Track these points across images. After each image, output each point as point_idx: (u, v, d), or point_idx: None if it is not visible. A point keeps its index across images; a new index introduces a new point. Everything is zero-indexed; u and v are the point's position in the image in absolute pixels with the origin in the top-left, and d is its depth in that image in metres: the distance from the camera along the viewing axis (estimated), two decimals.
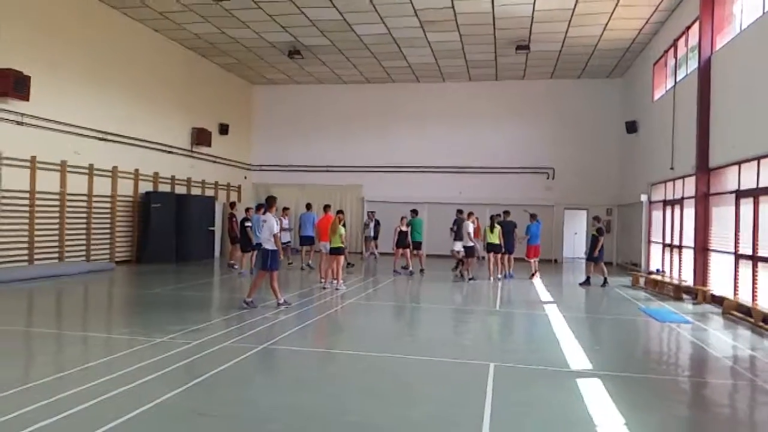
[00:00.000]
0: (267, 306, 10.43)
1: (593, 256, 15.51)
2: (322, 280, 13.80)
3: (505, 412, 5.18)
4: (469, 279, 15.58)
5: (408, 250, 17.04)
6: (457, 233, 18.11)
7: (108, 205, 17.39)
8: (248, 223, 15.63)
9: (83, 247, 16.41)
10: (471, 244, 15.90)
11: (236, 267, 16.71)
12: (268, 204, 10.80)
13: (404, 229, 16.93)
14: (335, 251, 13.25)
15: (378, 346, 7.92)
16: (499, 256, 16.29)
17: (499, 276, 16.03)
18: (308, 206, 18.51)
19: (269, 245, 10.33)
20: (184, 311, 9.98)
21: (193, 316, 9.35)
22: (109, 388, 5.42)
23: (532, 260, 17.24)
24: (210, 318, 9.36)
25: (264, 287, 10.76)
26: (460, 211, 18.82)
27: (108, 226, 17.39)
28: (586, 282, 15.57)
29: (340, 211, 14.37)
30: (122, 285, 14.02)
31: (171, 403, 5.18)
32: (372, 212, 22.70)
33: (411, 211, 18.26)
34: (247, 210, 16.36)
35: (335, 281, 13.20)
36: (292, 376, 6.41)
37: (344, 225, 13.81)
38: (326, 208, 15.21)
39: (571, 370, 6.71)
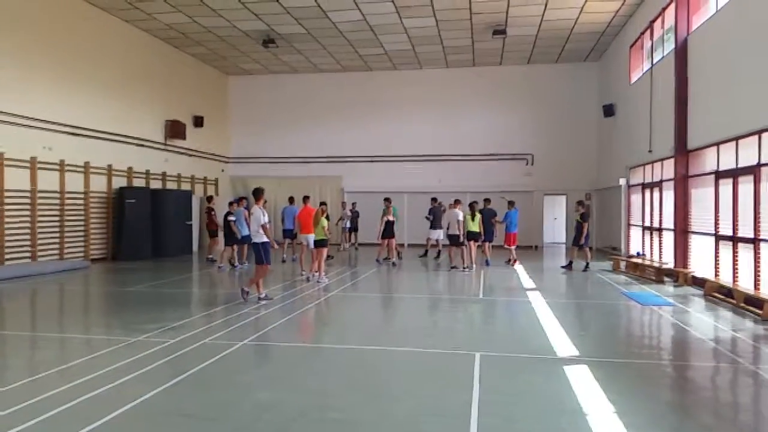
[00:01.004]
0: (248, 301, 10.23)
1: (579, 242, 15.54)
2: (303, 273, 13.66)
3: (493, 404, 5.07)
4: (452, 267, 15.47)
5: (393, 240, 16.84)
6: (434, 222, 18.04)
7: (81, 201, 16.97)
8: (231, 217, 15.49)
9: (56, 246, 16.01)
10: (457, 232, 15.58)
11: (216, 261, 16.47)
12: (255, 196, 10.61)
13: (391, 218, 16.74)
14: (318, 243, 13.08)
15: (361, 338, 7.80)
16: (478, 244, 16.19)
17: (467, 266, 15.43)
18: (291, 200, 18.30)
19: (259, 238, 10.14)
20: (162, 308, 9.73)
21: (172, 313, 9.12)
22: (84, 391, 5.21)
23: (512, 247, 17.21)
24: (189, 315, 9.13)
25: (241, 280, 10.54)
26: (434, 199, 18.76)
27: (81, 223, 16.98)
28: (569, 266, 15.59)
29: (323, 203, 14.19)
30: (98, 283, 13.69)
31: (149, 405, 4.98)
32: (351, 203, 22.53)
33: (384, 200, 18.13)
34: (230, 204, 16.15)
35: (317, 274, 13.02)
36: (273, 373, 6.23)
37: (327, 217, 13.65)
38: (305, 199, 14.95)
39: (558, 358, 6.64)
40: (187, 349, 6.77)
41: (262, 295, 10.21)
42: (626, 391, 5.47)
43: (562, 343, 7.27)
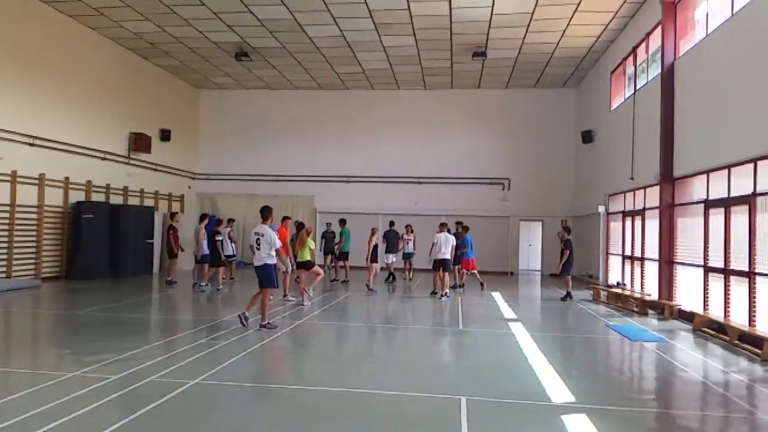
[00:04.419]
0: (209, 328, 9.31)
1: (560, 270, 15.01)
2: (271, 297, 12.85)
3: None
4: (441, 294, 14.48)
5: (347, 263, 16.46)
6: (388, 246, 17.86)
7: (34, 216, 15.84)
8: (219, 237, 15.13)
9: (4, 263, 14.81)
10: (448, 257, 14.65)
11: (176, 283, 15.48)
12: (264, 215, 9.94)
13: (376, 241, 16.06)
14: (302, 265, 12.67)
15: (331, 378, 6.89)
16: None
17: (445, 292, 14.57)
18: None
19: (271, 260, 9.51)
20: (110, 336, 8.74)
21: (119, 342, 8.13)
22: None
23: (474, 272, 16.85)
24: (139, 344, 8.08)
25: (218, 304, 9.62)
26: (392, 223, 18.40)
27: (33, 239, 15.81)
28: (567, 296, 14.87)
29: (302, 224, 13.75)
30: (45, 305, 12.57)
31: None
32: (326, 224, 21.75)
33: (339, 220, 18.00)
34: (218, 223, 15.64)
35: (288, 294, 12.48)
36: (223, 424, 5.15)
37: (313, 239, 13.20)
38: (284, 220, 13.75)
39: (553, 404, 5.88)
40: (127, 390, 5.83)
41: (265, 322, 9.50)
42: None
43: (555, 386, 6.53)
